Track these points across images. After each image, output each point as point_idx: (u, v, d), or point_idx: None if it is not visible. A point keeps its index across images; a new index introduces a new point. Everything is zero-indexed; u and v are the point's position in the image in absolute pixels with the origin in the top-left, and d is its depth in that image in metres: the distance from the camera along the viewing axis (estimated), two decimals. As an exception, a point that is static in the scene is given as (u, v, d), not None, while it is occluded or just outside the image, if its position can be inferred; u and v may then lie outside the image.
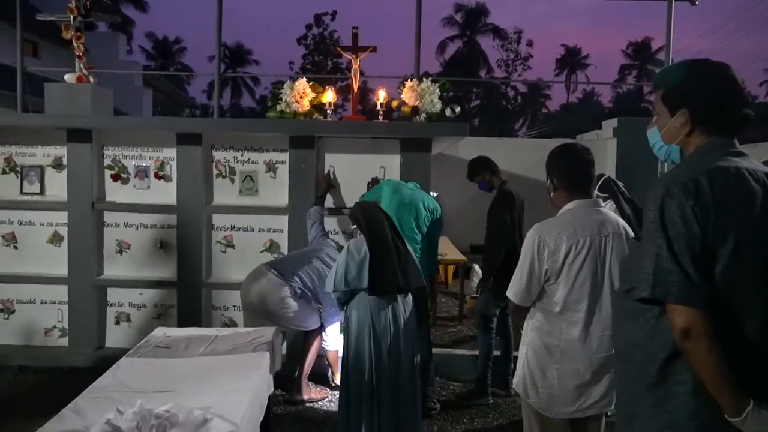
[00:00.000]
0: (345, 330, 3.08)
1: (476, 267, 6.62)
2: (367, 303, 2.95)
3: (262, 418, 2.55)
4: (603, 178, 4.03)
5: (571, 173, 2.29)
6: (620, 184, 4.06)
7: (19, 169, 4.74)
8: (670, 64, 1.73)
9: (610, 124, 7.88)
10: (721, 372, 1.38)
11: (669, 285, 1.42)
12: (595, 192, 3.95)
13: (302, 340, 4.04)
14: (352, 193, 4.54)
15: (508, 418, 3.89)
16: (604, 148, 7.67)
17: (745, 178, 1.46)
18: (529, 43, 36.59)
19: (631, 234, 2.30)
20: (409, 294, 3.11)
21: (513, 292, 2.25)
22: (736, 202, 1.44)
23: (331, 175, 4.58)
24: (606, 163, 7.54)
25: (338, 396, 3.16)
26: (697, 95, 1.56)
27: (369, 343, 2.90)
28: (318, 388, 4.19)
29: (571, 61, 39.84)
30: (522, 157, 8.01)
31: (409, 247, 3.23)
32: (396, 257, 2.99)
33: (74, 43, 4.66)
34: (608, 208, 3.84)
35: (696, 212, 1.42)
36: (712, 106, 1.54)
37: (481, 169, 4.33)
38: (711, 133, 1.56)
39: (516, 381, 2.33)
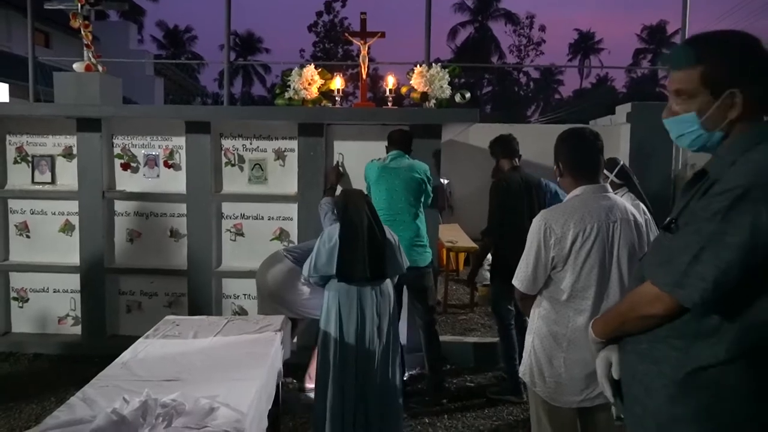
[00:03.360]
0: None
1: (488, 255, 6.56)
2: (336, 289, 3.04)
3: (270, 406, 2.55)
4: (619, 165, 3.92)
5: (578, 159, 2.24)
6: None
7: (30, 158, 4.76)
8: (695, 36, 1.47)
9: (623, 109, 7.76)
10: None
11: (694, 291, 1.32)
12: (611, 177, 3.87)
13: (316, 328, 4.03)
14: (361, 181, 4.51)
15: (520, 408, 3.86)
16: (617, 133, 7.56)
17: None
18: (542, 28, 36.28)
19: (640, 220, 2.26)
20: (387, 281, 3.13)
21: (519, 279, 2.22)
22: None
23: (340, 165, 4.55)
24: (619, 149, 7.43)
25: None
26: (748, 71, 1.35)
27: (335, 328, 2.99)
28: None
29: (585, 45, 39.36)
30: (534, 143, 7.89)
31: (392, 236, 3.20)
32: (368, 245, 3.01)
33: (82, 31, 4.66)
34: (623, 196, 3.79)
35: None
36: (765, 82, 1.35)
37: (494, 149, 4.16)
38: (761, 111, 1.38)
39: (522, 370, 2.31)
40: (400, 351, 3.33)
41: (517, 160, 4.11)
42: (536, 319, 2.25)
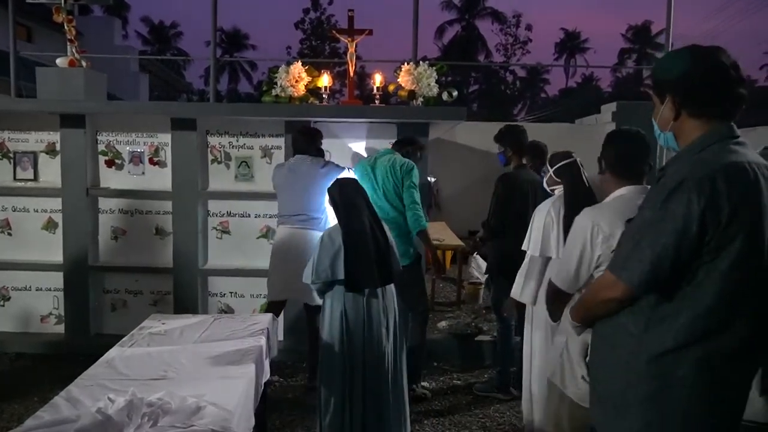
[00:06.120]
0: (320, 319, 3.00)
1: (474, 254, 6.58)
2: (341, 295, 2.86)
3: (257, 404, 2.54)
4: (562, 163, 3.17)
5: (622, 159, 2.22)
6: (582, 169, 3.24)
7: (11, 155, 4.70)
8: (670, 50, 2.08)
9: (608, 108, 7.82)
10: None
11: (634, 272, 1.48)
12: (550, 171, 3.20)
13: (306, 322, 3.98)
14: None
15: (507, 405, 3.88)
16: (603, 132, 7.60)
17: (757, 175, 1.43)
18: (528, 27, 36.28)
19: None
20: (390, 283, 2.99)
21: (561, 278, 2.17)
22: (751, 203, 1.41)
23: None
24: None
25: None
26: (682, 82, 1.54)
27: (341, 336, 2.83)
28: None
29: (571, 45, 39.58)
30: (520, 141, 7.97)
31: (388, 233, 3.06)
32: (374, 248, 2.86)
33: (66, 26, 4.59)
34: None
35: (705, 214, 1.39)
36: (698, 92, 1.52)
37: (507, 140, 4.01)
38: (705, 117, 1.53)
39: (552, 371, 2.31)
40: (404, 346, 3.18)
41: (524, 158, 4.04)
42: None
